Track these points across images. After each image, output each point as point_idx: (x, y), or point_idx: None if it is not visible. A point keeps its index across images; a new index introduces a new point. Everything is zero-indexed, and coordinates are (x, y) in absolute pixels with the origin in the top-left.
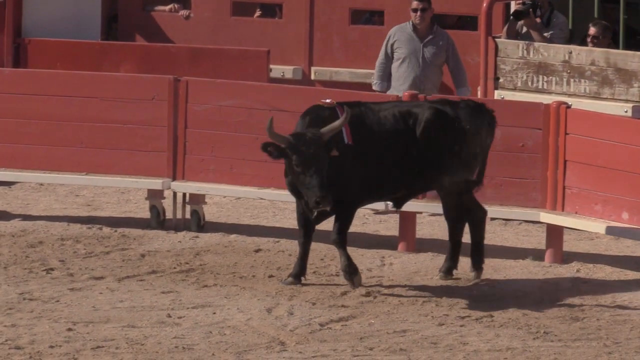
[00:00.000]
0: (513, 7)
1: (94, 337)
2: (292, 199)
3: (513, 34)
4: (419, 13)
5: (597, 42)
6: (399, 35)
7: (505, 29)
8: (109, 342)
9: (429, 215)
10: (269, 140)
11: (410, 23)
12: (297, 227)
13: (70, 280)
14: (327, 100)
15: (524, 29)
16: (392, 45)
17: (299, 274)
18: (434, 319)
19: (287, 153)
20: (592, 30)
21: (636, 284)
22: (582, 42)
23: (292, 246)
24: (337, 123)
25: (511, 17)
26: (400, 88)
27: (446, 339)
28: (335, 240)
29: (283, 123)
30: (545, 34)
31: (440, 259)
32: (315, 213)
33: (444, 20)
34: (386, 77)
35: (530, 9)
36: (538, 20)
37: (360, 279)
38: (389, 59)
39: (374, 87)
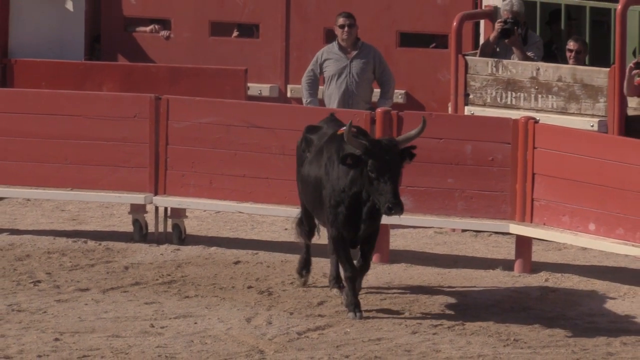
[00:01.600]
0: (484, 27)
1: (80, 346)
2: (272, 212)
3: (490, 52)
4: (345, 29)
5: (579, 56)
6: (326, 55)
7: (480, 46)
8: (94, 351)
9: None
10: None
11: (336, 42)
12: (275, 240)
13: (57, 292)
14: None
15: (498, 48)
16: (321, 65)
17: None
18: (408, 327)
19: (362, 159)
20: (573, 45)
21: (603, 293)
22: (549, 56)
23: (271, 258)
24: (413, 132)
25: (497, 34)
26: (331, 105)
27: (419, 346)
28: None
29: (260, 139)
30: (528, 52)
31: (412, 270)
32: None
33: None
34: (315, 93)
35: (515, 27)
36: None
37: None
38: (317, 77)
39: (305, 104)
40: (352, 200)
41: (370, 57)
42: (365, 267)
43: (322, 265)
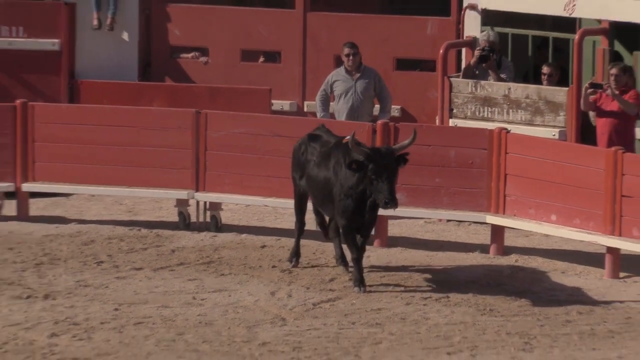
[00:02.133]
0: (465, 53)
1: (135, 315)
2: (292, 206)
3: (470, 74)
4: (350, 57)
5: (551, 78)
6: (336, 77)
7: (462, 70)
8: (147, 319)
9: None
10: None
11: (343, 67)
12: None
13: (116, 270)
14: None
15: (477, 71)
16: (331, 85)
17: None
18: (403, 299)
19: (364, 164)
20: (546, 69)
21: (562, 272)
22: (524, 78)
23: (291, 243)
24: (406, 142)
25: (476, 60)
26: (340, 118)
27: (412, 315)
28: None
29: (282, 146)
30: (501, 75)
31: (407, 252)
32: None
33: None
34: (327, 108)
35: (491, 53)
36: None
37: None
38: (328, 95)
39: (319, 117)
40: (358, 195)
41: (371, 78)
42: (362, 248)
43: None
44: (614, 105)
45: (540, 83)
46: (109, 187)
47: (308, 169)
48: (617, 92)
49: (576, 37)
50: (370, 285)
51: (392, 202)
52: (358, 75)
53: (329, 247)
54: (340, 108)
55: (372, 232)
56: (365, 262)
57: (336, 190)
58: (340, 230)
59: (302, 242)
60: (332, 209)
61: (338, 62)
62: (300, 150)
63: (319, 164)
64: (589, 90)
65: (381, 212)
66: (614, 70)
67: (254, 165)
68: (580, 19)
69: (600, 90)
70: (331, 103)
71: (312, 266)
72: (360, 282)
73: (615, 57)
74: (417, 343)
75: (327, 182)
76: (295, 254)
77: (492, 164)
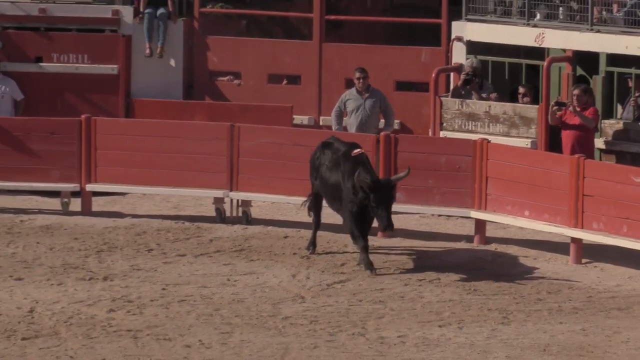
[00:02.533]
0: (453, 77)
1: (180, 294)
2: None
3: (457, 94)
4: (360, 80)
5: (524, 97)
6: (348, 96)
7: (451, 90)
8: (189, 297)
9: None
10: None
11: (355, 88)
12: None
13: (163, 257)
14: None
15: (463, 92)
16: (345, 102)
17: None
18: (401, 281)
19: (367, 193)
20: (521, 89)
21: (534, 258)
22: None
23: (309, 234)
24: (402, 174)
25: (462, 82)
26: (351, 130)
27: (409, 294)
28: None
29: (302, 153)
30: (482, 94)
31: (405, 242)
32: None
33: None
34: (341, 122)
35: (473, 77)
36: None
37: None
38: (342, 111)
39: (334, 131)
40: (360, 205)
41: (378, 97)
42: (389, 225)
43: (345, 239)
44: (575, 120)
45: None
46: (158, 187)
47: (321, 172)
48: (578, 109)
49: (545, 63)
50: (376, 267)
51: (389, 228)
52: (367, 95)
53: (341, 237)
54: (351, 122)
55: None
56: (371, 249)
57: (344, 196)
58: (349, 229)
59: (319, 233)
60: (339, 207)
61: (348, 84)
62: (315, 156)
63: (330, 169)
64: (555, 108)
65: None
66: (576, 91)
67: (279, 170)
68: (548, 49)
69: (564, 108)
70: (344, 118)
71: (327, 253)
72: (371, 265)
73: (580, 80)
74: (413, 317)
75: (337, 185)
76: (312, 244)
77: (475, 169)
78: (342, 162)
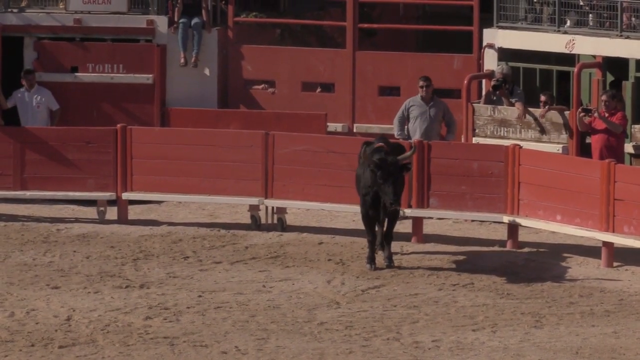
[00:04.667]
0: (485, 84)
1: (216, 300)
2: (343, 210)
3: (489, 100)
4: (424, 88)
5: (547, 105)
6: (412, 102)
7: (483, 96)
8: (225, 303)
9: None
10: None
11: (419, 95)
12: (346, 228)
13: (199, 264)
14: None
15: (495, 97)
16: (408, 109)
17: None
18: (436, 286)
19: (375, 171)
20: (542, 97)
21: (566, 262)
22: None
23: (343, 240)
24: (408, 153)
25: (491, 88)
26: (414, 136)
27: (444, 299)
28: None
29: (336, 160)
30: (512, 100)
31: (439, 247)
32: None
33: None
34: (403, 128)
35: (503, 83)
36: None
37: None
38: (404, 118)
39: (396, 136)
40: (375, 193)
41: (441, 107)
42: (389, 237)
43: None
44: (604, 125)
45: None
46: (194, 195)
47: (357, 170)
48: (603, 115)
49: (575, 69)
50: (410, 274)
51: (396, 203)
52: (432, 103)
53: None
54: (414, 128)
55: (410, 231)
56: (405, 255)
57: (359, 186)
58: (361, 215)
59: (352, 239)
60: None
61: (382, 92)
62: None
63: (360, 164)
64: (582, 114)
65: (417, 213)
66: (604, 97)
67: (313, 177)
68: (578, 55)
69: (591, 114)
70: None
71: (362, 259)
72: (371, 260)
73: (613, 85)
74: (447, 322)
75: (359, 178)
76: (371, 259)
77: (507, 174)
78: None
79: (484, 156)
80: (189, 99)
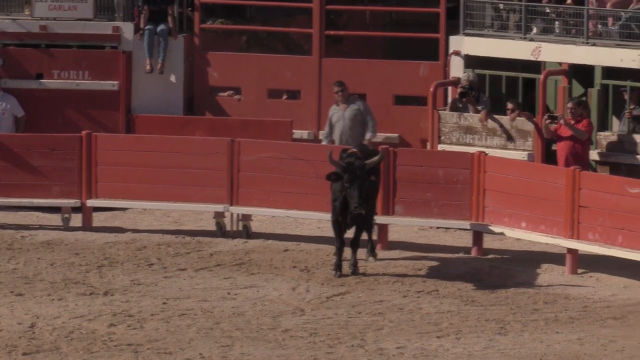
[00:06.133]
0: (451, 91)
1: (180, 308)
2: (309, 217)
3: (455, 107)
4: (339, 93)
5: (513, 112)
6: (332, 110)
7: (449, 104)
8: (190, 311)
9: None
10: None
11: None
12: (311, 235)
13: (164, 271)
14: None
15: (460, 105)
16: (330, 117)
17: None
18: (400, 293)
19: (341, 175)
20: (509, 105)
21: (530, 269)
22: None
23: (308, 247)
24: (376, 158)
25: (458, 95)
26: (337, 142)
27: (408, 305)
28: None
29: (301, 167)
30: (478, 107)
31: (404, 254)
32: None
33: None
34: (329, 136)
35: (470, 90)
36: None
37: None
38: (330, 125)
39: (323, 142)
40: (343, 199)
41: (357, 106)
42: (355, 244)
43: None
44: (569, 132)
45: None
46: (159, 202)
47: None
48: (568, 122)
49: (541, 77)
50: (375, 281)
51: (360, 207)
52: (346, 106)
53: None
54: (336, 133)
55: (375, 238)
56: (370, 262)
57: (333, 188)
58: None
59: (318, 246)
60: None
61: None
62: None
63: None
64: (547, 121)
65: (382, 220)
66: (570, 104)
67: (278, 184)
68: (544, 62)
69: (556, 121)
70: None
71: (327, 266)
72: (337, 267)
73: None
74: (412, 329)
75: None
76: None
77: (473, 181)
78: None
79: (449, 163)
80: (155, 105)
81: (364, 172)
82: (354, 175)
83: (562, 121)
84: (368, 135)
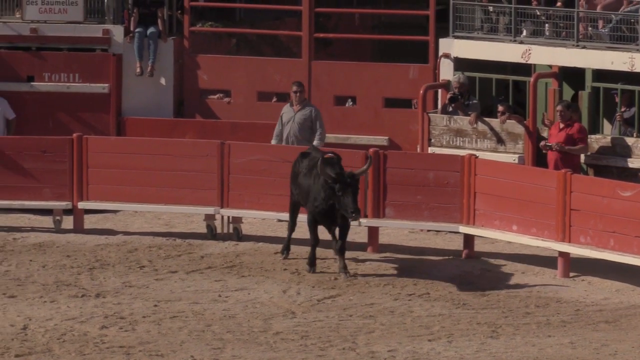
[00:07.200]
0: (441, 94)
1: (171, 310)
2: (299, 219)
3: (446, 111)
4: (297, 94)
5: (504, 115)
6: (284, 109)
7: (440, 107)
8: (181, 313)
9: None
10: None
11: (290, 101)
12: (302, 238)
13: (155, 273)
14: (330, 154)
15: (451, 109)
16: (281, 116)
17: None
18: (391, 296)
19: (332, 184)
20: (499, 107)
21: (522, 272)
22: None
23: (299, 250)
24: (364, 167)
25: (447, 100)
26: (282, 142)
27: (400, 309)
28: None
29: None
30: (468, 113)
31: (394, 257)
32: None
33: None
34: (279, 135)
35: (459, 96)
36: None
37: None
38: (282, 123)
39: (272, 142)
40: (327, 205)
41: (310, 113)
42: (342, 249)
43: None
44: (560, 136)
45: None
46: (150, 204)
47: (298, 179)
48: (563, 146)
49: (531, 79)
50: (366, 284)
51: (357, 213)
52: (299, 108)
53: (331, 254)
54: (285, 134)
55: (365, 240)
56: (361, 265)
57: (312, 193)
58: (307, 222)
59: (308, 248)
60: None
61: (338, 102)
62: (295, 165)
63: (305, 174)
64: (544, 149)
65: (373, 223)
66: (559, 107)
67: (269, 186)
68: (534, 65)
69: (550, 149)
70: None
71: (318, 269)
72: (312, 263)
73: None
74: (403, 332)
75: (309, 188)
76: (286, 248)
77: (463, 184)
78: (315, 166)
79: (440, 166)
80: (145, 108)
81: (354, 180)
82: (345, 183)
83: (556, 148)
84: (315, 144)
